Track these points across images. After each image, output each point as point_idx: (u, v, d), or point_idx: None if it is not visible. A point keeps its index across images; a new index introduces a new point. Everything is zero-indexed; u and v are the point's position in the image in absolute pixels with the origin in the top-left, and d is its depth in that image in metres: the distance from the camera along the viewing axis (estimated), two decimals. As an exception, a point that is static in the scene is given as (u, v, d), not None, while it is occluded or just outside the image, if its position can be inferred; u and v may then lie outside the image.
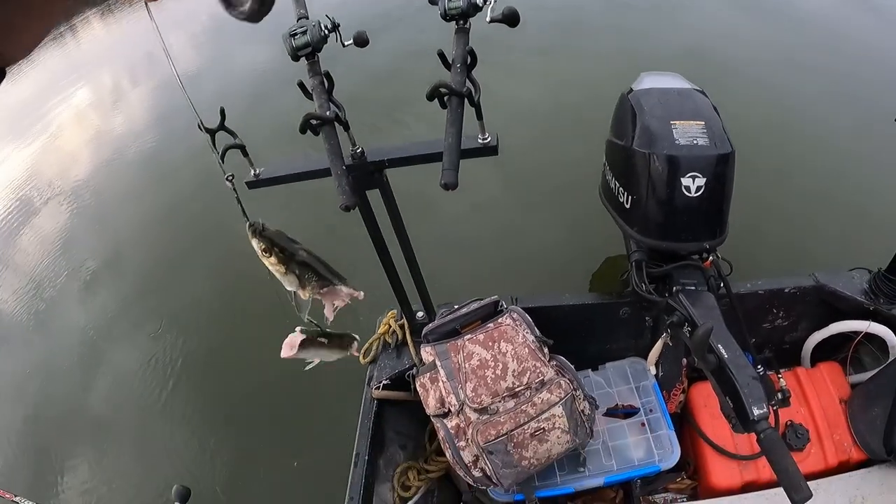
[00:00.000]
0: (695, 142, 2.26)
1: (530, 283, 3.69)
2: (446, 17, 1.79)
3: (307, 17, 1.91)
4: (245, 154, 1.92)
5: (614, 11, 6.07)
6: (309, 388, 3.50)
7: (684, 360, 2.64)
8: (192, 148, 5.51)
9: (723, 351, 2.08)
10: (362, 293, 0.92)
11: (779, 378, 2.62)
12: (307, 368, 0.94)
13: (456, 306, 2.41)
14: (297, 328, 0.86)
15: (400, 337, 2.56)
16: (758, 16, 5.74)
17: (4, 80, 0.40)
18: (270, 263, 0.77)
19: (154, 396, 4.18)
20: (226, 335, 4.18)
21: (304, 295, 0.82)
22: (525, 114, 4.72)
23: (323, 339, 0.87)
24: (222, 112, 1.85)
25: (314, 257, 0.79)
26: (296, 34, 1.82)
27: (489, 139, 1.88)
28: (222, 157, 1.87)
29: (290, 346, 0.87)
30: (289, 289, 0.79)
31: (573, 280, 3.69)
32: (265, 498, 3.36)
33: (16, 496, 2.44)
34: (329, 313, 0.84)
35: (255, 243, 0.75)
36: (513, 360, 2.23)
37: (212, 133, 1.87)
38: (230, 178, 0.77)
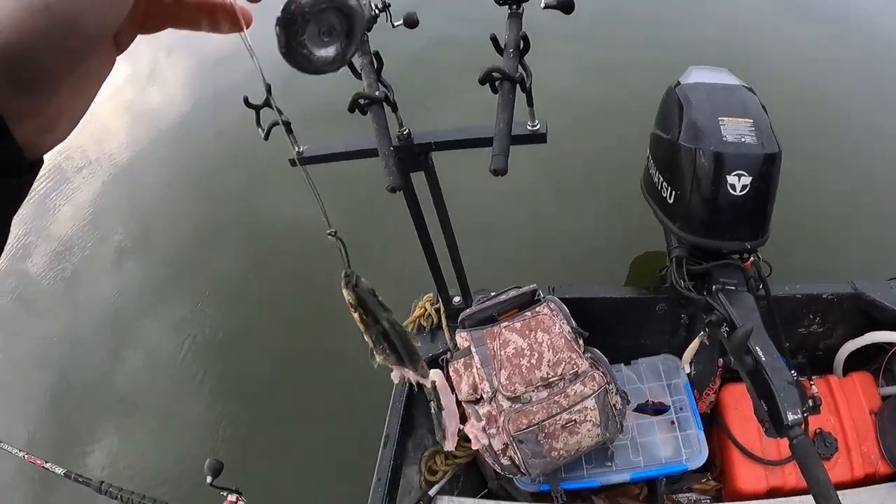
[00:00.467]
0: (742, 139, 2.24)
1: (565, 273, 3.66)
2: (500, 0, 1.79)
3: (357, -5, 1.92)
4: (289, 131, 1.94)
5: (661, 1, 5.99)
6: (340, 369, 3.52)
7: (720, 361, 2.62)
8: (230, 122, 5.51)
9: (760, 353, 2.07)
10: (429, 382, 0.93)
11: (810, 384, 2.60)
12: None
13: (493, 293, 2.41)
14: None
15: (435, 321, 2.57)
16: (806, 15, 5.64)
17: None
18: (355, 319, 0.77)
19: (181, 370, 4.23)
20: (256, 313, 4.22)
21: (377, 357, 0.82)
22: (567, 101, 4.68)
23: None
24: (268, 88, 1.85)
25: (396, 331, 0.77)
26: (345, 12, 1.82)
27: (538, 126, 1.88)
28: (267, 135, 1.89)
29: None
30: (367, 341, 0.79)
31: (609, 272, 3.66)
32: (294, 475, 3.39)
33: (46, 463, 2.49)
34: (395, 378, 0.85)
35: (345, 294, 0.73)
36: (548, 350, 2.23)
37: (257, 109, 1.89)
38: (333, 233, 0.74)
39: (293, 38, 0.46)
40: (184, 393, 4.10)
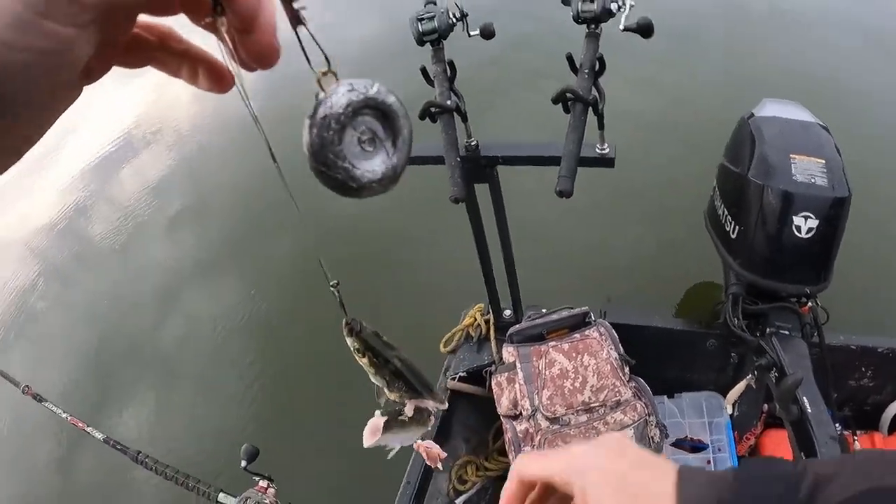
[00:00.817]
0: (812, 180, 2.19)
1: (616, 296, 3.64)
2: (578, 19, 1.78)
3: (435, 3, 1.94)
4: (356, 132, 1.96)
5: (736, 28, 5.88)
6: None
7: (765, 406, 2.57)
8: (294, 116, 5.61)
9: (807, 405, 2.04)
10: (445, 405, 0.93)
11: (854, 440, 2.53)
12: (390, 457, 0.95)
13: (545, 311, 2.41)
14: (377, 412, 0.87)
15: (483, 332, 2.57)
16: (891, 54, 5.47)
17: None
18: (362, 364, 0.76)
19: (221, 346, 4.32)
20: (304, 305, 4.26)
21: (390, 395, 0.81)
22: (635, 122, 4.64)
23: (403, 418, 0.86)
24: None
25: (408, 366, 0.76)
26: (423, 19, 1.85)
27: (608, 150, 1.87)
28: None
29: (372, 431, 0.89)
30: (375, 383, 0.78)
31: (662, 300, 3.62)
32: (324, 469, 3.44)
33: (87, 426, 2.57)
34: (409, 411, 0.84)
35: (349, 341, 0.72)
36: (593, 375, 2.22)
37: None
38: (335, 285, 0.73)
39: (327, 151, 0.38)
40: (222, 370, 4.20)
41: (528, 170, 2.00)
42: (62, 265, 5.57)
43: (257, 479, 2.13)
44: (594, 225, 4.28)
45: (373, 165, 0.40)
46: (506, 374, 2.30)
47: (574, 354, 2.25)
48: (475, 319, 2.58)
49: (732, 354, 2.63)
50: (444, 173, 1.78)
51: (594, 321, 2.35)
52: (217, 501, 2.12)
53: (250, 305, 4.48)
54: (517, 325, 2.37)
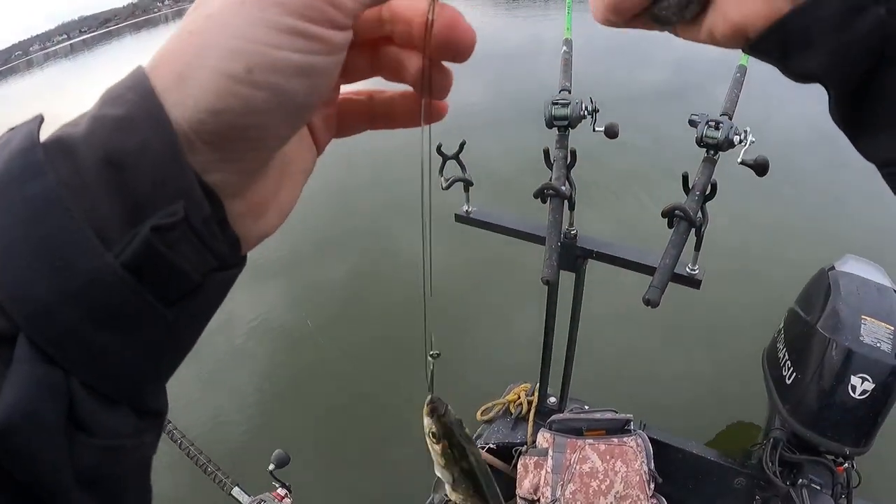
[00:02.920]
0: (878, 344, 2.24)
1: (653, 408, 3.68)
2: (700, 143, 1.87)
3: (570, 91, 2.03)
4: (466, 190, 2.06)
5: (834, 171, 5.99)
6: (405, 402, 3.62)
7: (780, 555, 2.56)
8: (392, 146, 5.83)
9: (824, 563, 2.05)
10: None
11: None
12: None
13: (587, 407, 2.45)
14: None
15: (524, 411, 2.62)
16: None
17: None
18: (433, 451, 0.68)
19: (243, 342, 4.40)
20: (338, 326, 4.36)
21: (451, 495, 0.72)
22: (718, 249, 4.77)
23: None
24: (462, 145, 1.99)
25: (482, 469, 0.68)
26: (558, 104, 1.94)
27: (697, 272, 1.94)
28: (449, 186, 2.01)
29: None
30: (438, 474, 0.70)
31: (698, 427, 3.65)
32: (343, 489, 3.47)
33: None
34: None
35: (427, 423, 0.66)
36: (621, 482, 2.25)
37: (446, 159, 2.01)
38: (435, 355, 0.67)
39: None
40: (238, 364, 4.25)
41: (610, 269, 2.06)
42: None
43: (277, 485, 2.16)
44: (655, 336, 4.38)
45: None
46: (535, 457, 2.34)
47: (608, 457, 2.29)
48: (519, 397, 2.63)
49: (757, 497, 2.64)
50: (526, 249, 1.85)
51: (634, 430, 2.39)
52: (230, 494, 2.14)
53: (284, 314, 4.57)
54: (560, 415, 2.42)
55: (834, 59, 0.33)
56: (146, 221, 0.28)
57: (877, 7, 0.30)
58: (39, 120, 0.31)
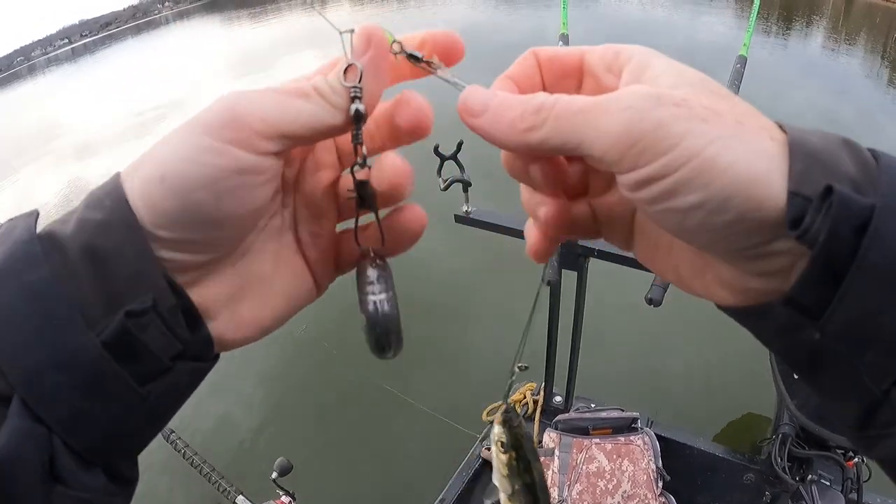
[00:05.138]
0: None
1: (660, 405, 3.67)
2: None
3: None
4: (465, 190, 2.04)
5: None
6: (411, 419, 3.63)
7: (790, 551, 2.55)
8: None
9: (835, 556, 2.04)
10: None
11: None
12: None
13: (594, 405, 2.43)
14: None
15: (530, 411, 2.61)
16: None
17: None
18: (499, 460, 0.66)
19: (245, 354, 4.38)
20: (349, 334, 4.36)
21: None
22: None
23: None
24: (460, 145, 1.97)
25: (542, 487, 0.66)
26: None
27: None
28: (447, 187, 1.99)
29: None
30: (496, 483, 0.69)
31: (705, 422, 3.64)
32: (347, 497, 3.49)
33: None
34: None
35: (497, 429, 0.65)
36: (628, 481, 2.24)
37: (443, 160, 2.00)
38: (523, 367, 0.68)
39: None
40: (245, 370, 4.27)
41: (613, 266, 2.05)
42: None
43: (281, 493, 2.16)
44: (662, 333, 4.37)
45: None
46: (542, 458, 2.32)
47: (615, 456, 2.28)
48: (524, 397, 2.62)
49: (767, 493, 2.63)
50: (524, 249, 1.83)
51: (640, 428, 2.38)
52: (234, 502, 2.15)
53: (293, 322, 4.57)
54: (566, 414, 2.41)
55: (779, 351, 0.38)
56: (122, 308, 0.33)
57: (811, 330, 0.33)
58: (36, 215, 0.37)
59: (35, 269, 0.33)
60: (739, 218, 0.32)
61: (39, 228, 0.35)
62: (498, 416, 0.69)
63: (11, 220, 0.37)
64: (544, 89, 0.41)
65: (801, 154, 0.32)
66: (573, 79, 0.42)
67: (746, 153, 0.32)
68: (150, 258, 0.34)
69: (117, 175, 0.36)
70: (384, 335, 0.43)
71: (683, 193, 0.32)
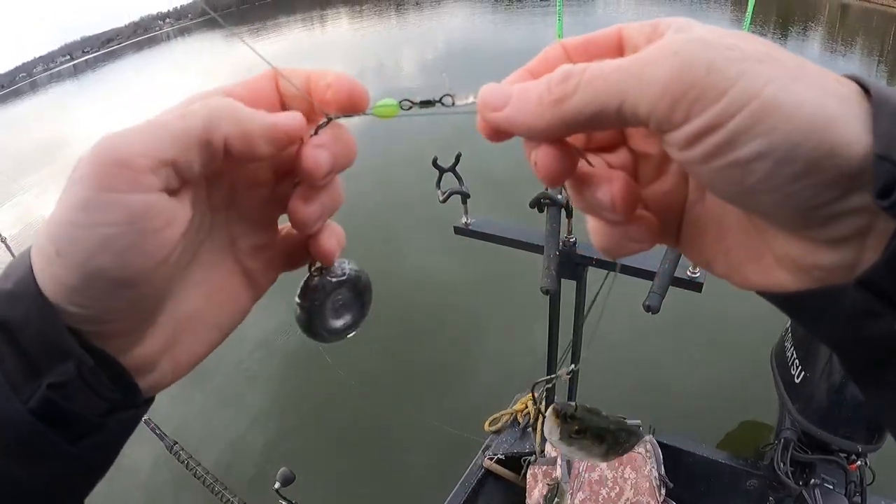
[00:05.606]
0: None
1: (662, 413, 3.67)
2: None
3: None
4: (464, 202, 2.05)
5: None
6: (413, 430, 3.63)
7: (795, 557, 2.54)
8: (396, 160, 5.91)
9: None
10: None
11: None
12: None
13: (596, 414, 2.43)
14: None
15: (532, 420, 2.60)
16: None
17: None
18: (580, 445, 0.63)
19: (254, 362, 4.41)
20: (353, 348, 4.38)
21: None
22: None
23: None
24: (458, 157, 1.99)
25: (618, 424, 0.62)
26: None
27: (699, 275, 1.92)
28: (446, 199, 2.00)
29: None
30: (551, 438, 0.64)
31: (710, 428, 3.63)
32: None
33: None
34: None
35: (556, 425, 0.61)
36: (630, 489, 2.24)
37: (442, 172, 2.01)
38: (574, 371, 0.66)
39: (312, 320, 0.47)
40: (249, 383, 4.27)
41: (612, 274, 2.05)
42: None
43: (283, 503, 2.16)
44: (662, 341, 4.37)
45: (339, 322, 0.48)
46: (545, 467, 2.33)
47: (617, 464, 2.28)
48: (526, 406, 2.61)
49: (770, 499, 2.62)
50: (527, 259, 1.84)
51: (642, 437, 2.37)
52: (238, 514, 2.15)
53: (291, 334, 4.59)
54: (568, 423, 2.39)
55: (842, 346, 0.32)
56: (42, 377, 0.33)
57: (890, 320, 0.28)
58: None
59: None
60: (811, 167, 0.28)
61: None
62: (551, 414, 0.67)
63: None
64: None
65: (888, 112, 0.28)
66: (612, 55, 0.37)
67: (813, 93, 0.28)
68: (61, 329, 0.33)
69: (29, 248, 0.35)
70: (304, 331, 0.47)
71: (744, 142, 0.28)
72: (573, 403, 0.66)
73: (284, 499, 2.16)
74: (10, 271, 0.35)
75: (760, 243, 0.34)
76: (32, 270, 0.33)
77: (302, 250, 0.45)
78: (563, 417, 0.69)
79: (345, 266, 0.47)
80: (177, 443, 2.40)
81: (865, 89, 0.29)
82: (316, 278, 0.46)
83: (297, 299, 0.46)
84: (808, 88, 0.28)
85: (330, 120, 0.39)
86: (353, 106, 0.39)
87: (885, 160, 0.26)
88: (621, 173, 0.37)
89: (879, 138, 0.27)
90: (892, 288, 0.27)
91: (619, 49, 0.37)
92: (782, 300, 0.34)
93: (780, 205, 0.29)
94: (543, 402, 2.57)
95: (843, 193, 0.28)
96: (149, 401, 0.40)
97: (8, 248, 3.41)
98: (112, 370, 0.35)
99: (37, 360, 0.33)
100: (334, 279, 0.46)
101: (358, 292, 0.48)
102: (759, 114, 0.27)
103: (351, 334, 0.50)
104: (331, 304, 0.47)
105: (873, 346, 0.29)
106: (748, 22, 2.46)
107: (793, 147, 0.27)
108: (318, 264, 0.46)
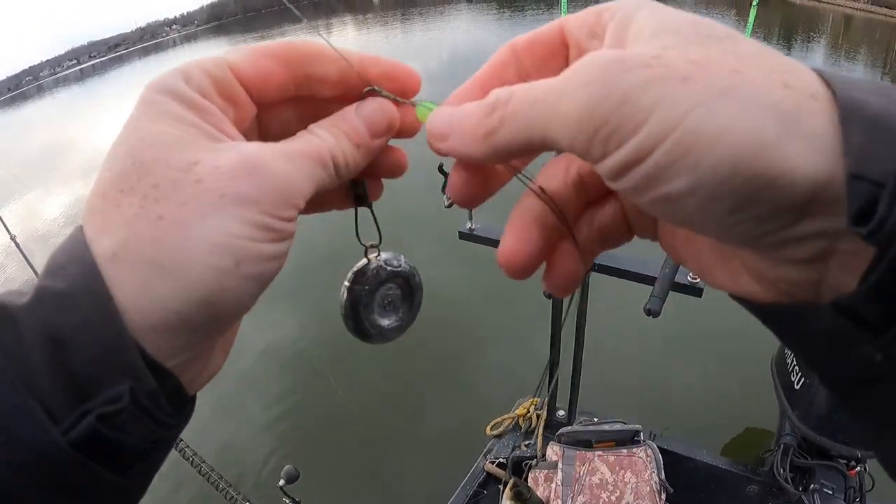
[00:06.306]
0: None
1: (663, 418, 3.68)
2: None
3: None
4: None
5: None
6: (421, 428, 3.63)
7: (794, 562, 2.55)
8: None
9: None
10: None
11: None
12: None
13: (597, 419, 2.45)
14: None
15: (533, 425, 2.62)
16: None
17: None
18: None
19: (256, 367, 4.44)
20: (352, 355, 4.39)
21: None
22: None
23: None
24: (462, 162, 2.00)
25: None
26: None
27: (699, 280, 1.93)
28: (451, 205, 2.02)
29: None
30: None
31: (708, 434, 3.64)
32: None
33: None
34: None
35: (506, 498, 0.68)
36: (631, 494, 2.25)
37: (447, 177, 2.02)
38: (519, 481, 0.70)
39: (363, 314, 0.44)
40: (252, 388, 4.29)
41: (615, 280, 2.07)
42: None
43: (287, 501, 2.17)
44: (664, 347, 4.39)
45: (386, 322, 0.46)
46: (545, 471, 2.34)
47: (618, 469, 2.29)
48: (528, 411, 2.63)
49: (770, 504, 2.63)
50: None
51: (643, 441, 2.39)
52: (241, 510, 2.16)
53: (295, 340, 4.61)
54: (569, 427, 2.42)
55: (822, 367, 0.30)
56: (91, 401, 0.28)
57: (870, 348, 0.25)
58: None
59: None
60: (746, 200, 0.25)
61: None
62: (508, 491, 0.71)
63: None
64: (523, 80, 0.33)
65: (860, 118, 0.24)
66: (558, 58, 0.35)
67: (747, 113, 0.24)
68: (128, 343, 0.28)
69: (79, 231, 0.31)
70: (346, 319, 0.44)
71: (668, 179, 0.25)
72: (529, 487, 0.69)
73: (288, 496, 2.17)
74: (57, 265, 0.30)
75: (729, 250, 0.31)
76: (96, 268, 0.29)
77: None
78: (517, 495, 0.73)
79: (401, 259, 0.45)
80: (182, 440, 2.41)
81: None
82: (373, 262, 0.44)
83: (345, 283, 0.43)
84: (740, 107, 0.24)
85: (373, 91, 0.38)
86: (402, 89, 0.38)
87: (861, 179, 0.23)
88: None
89: (851, 154, 0.23)
90: (873, 316, 0.24)
91: (563, 46, 0.35)
92: (756, 310, 0.31)
93: (723, 234, 0.27)
94: (545, 408, 2.59)
95: (792, 222, 0.25)
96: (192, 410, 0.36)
97: (17, 245, 3.43)
98: (169, 389, 0.31)
99: (85, 379, 0.28)
100: (390, 268, 0.44)
101: (410, 290, 0.47)
102: (678, 148, 0.25)
103: (394, 339, 0.47)
104: (380, 296, 0.45)
105: (852, 370, 0.27)
106: (748, 33, 2.49)
107: (722, 181, 0.24)
108: (373, 249, 0.44)
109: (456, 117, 0.33)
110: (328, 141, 0.35)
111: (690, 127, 0.24)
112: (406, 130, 0.39)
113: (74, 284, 0.29)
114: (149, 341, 0.29)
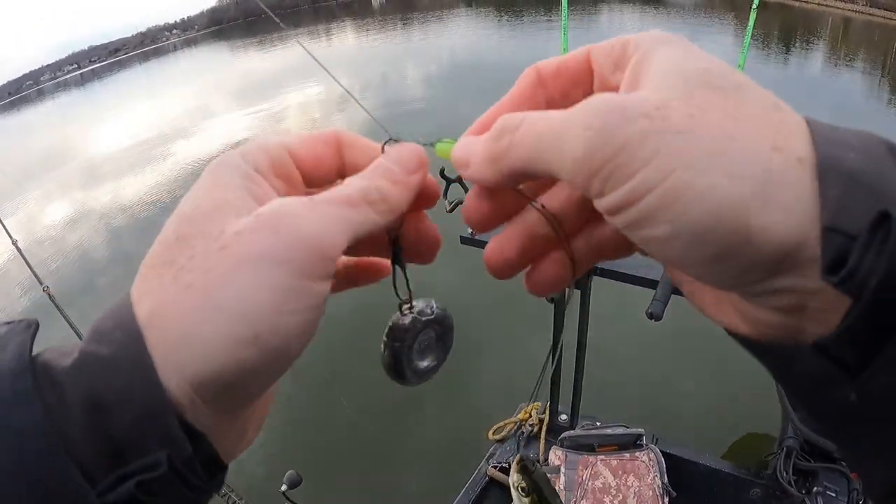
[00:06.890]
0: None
1: (665, 422, 3.68)
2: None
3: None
4: (469, 211, 2.07)
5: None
6: (423, 433, 3.62)
7: (798, 565, 2.54)
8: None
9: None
10: None
11: None
12: None
13: (599, 423, 2.44)
14: None
15: (535, 429, 2.61)
16: None
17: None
18: (522, 503, 0.72)
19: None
20: (356, 364, 4.39)
21: None
22: None
23: None
24: (465, 167, 2.00)
25: None
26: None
27: (701, 283, 1.93)
28: (453, 209, 2.02)
29: None
30: None
31: (711, 438, 3.64)
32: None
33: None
34: None
35: (516, 478, 0.69)
36: (633, 497, 2.25)
37: (450, 182, 2.02)
38: (527, 455, 0.70)
39: (404, 364, 0.45)
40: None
41: (616, 284, 2.07)
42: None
43: (288, 505, 2.17)
44: (666, 351, 4.39)
45: (423, 364, 0.47)
46: (548, 475, 2.33)
47: (621, 473, 2.29)
48: (530, 416, 2.62)
49: (773, 508, 2.62)
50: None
51: (646, 445, 2.38)
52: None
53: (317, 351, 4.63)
54: (571, 432, 2.41)
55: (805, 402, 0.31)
56: (129, 466, 0.28)
57: (846, 388, 0.26)
58: (34, 328, 0.32)
59: (25, 408, 0.28)
60: (725, 253, 0.27)
61: (36, 348, 0.30)
62: (515, 465, 0.71)
63: (7, 324, 0.32)
64: (550, 107, 0.34)
65: (835, 177, 0.26)
66: (584, 86, 0.36)
67: (729, 174, 0.26)
68: (167, 410, 0.28)
69: (127, 297, 0.31)
70: (389, 371, 0.44)
71: (655, 223, 0.27)
72: (538, 462, 0.69)
73: (290, 501, 2.16)
74: (101, 332, 0.30)
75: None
76: (140, 334, 0.29)
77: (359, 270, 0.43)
78: (522, 469, 0.72)
79: (433, 305, 0.46)
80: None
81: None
82: (407, 317, 0.44)
83: (384, 338, 0.44)
84: (726, 167, 0.26)
85: (391, 139, 0.39)
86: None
87: (835, 232, 0.25)
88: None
89: (827, 207, 0.25)
90: (850, 358, 0.26)
91: (589, 74, 0.36)
92: (745, 344, 0.33)
93: (705, 277, 0.29)
94: (547, 412, 2.58)
95: (767, 276, 0.27)
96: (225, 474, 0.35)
97: (18, 250, 3.42)
98: (203, 456, 0.31)
99: (123, 444, 0.28)
100: (423, 318, 0.45)
101: (443, 333, 0.47)
102: (666, 198, 0.27)
103: (431, 378, 0.48)
104: (418, 344, 0.45)
105: (833, 408, 0.28)
106: (748, 39, 2.49)
107: (703, 232, 0.26)
108: (408, 303, 0.45)
109: (473, 145, 0.35)
110: (359, 184, 0.35)
111: (679, 182, 0.26)
112: (427, 196, 0.41)
113: (119, 351, 0.29)
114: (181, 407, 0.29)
